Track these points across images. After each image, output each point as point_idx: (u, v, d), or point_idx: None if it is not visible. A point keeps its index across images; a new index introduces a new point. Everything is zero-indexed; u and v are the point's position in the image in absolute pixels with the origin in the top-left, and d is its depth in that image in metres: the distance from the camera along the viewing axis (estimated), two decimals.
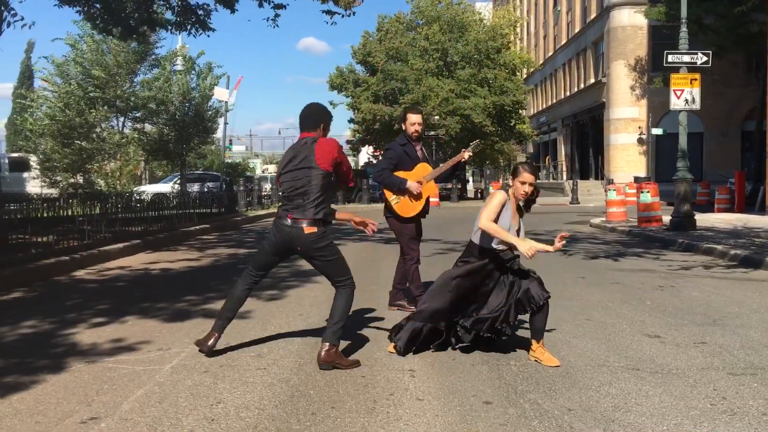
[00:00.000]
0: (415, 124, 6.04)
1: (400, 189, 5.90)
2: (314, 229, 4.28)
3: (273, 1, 11.27)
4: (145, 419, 3.42)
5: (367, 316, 5.89)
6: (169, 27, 12.56)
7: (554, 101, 47.83)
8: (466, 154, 6.16)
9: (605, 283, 7.67)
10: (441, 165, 6.29)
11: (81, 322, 5.63)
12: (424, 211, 6.07)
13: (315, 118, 4.47)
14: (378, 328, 5.36)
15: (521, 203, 4.56)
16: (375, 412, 3.51)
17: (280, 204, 4.56)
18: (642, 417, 3.36)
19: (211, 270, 9.02)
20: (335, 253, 4.42)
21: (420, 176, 5.97)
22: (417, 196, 5.93)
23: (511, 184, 4.57)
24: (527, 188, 4.44)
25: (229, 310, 4.58)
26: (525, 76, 40.65)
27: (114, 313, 5.98)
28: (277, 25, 11.84)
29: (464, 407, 3.55)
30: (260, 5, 11.09)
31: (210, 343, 4.52)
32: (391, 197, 5.96)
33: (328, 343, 4.28)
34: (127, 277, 8.38)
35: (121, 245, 10.21)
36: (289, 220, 4.31)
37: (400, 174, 5.94)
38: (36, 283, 7.68)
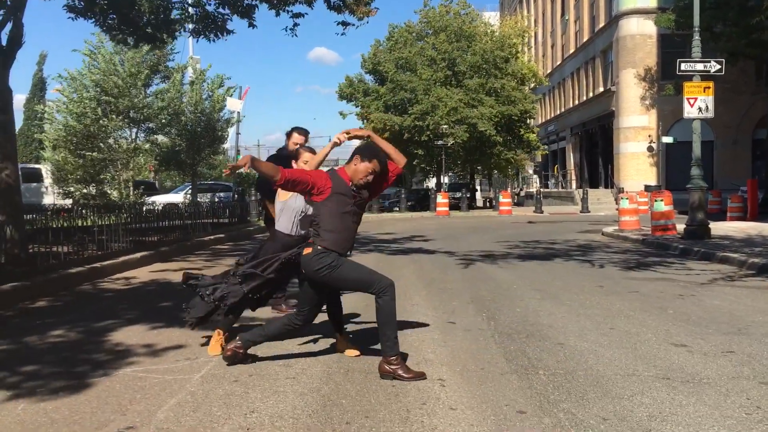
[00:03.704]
0: (297, 144, 6.05)
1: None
2: (309, 250, 4.30)
3: (291, 11, 11.26)
4: (181, 428, 3.45)
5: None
6: (188, 30, 12.57)
7: (563, 110, 47.84)
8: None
9: (624, 292, 7.64)
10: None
11: (108, 332, 5.66)
12: None
13: None
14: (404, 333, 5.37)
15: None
16: (409, 421, 3.52)
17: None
18: (678, 427, 3.35)
19: None
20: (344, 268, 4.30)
21: None
22: None
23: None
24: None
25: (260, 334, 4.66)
26: (533, 85, 40.64)
27: (139, 322, 6.01)
28: (295, 35, 11.85)
29: (498, 417, 3.55)
30: (277, 14, 11.05)
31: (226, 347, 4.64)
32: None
33: (386, 355, 4.28)
34: (149, 286, 8.42)
35: (139, 255, 10.27)
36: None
37: None
38: (60, 292, 7.73)
